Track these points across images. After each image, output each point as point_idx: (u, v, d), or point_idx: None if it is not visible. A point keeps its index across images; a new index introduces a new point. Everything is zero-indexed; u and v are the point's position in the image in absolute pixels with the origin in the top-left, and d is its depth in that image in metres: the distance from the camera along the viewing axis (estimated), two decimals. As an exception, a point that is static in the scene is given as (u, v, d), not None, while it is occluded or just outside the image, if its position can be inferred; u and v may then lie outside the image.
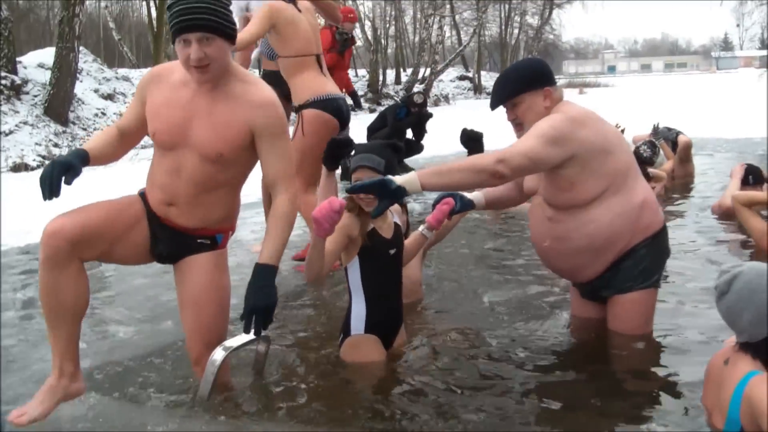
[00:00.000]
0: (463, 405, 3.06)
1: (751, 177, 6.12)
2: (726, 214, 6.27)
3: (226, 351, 3.03)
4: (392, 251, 3.39)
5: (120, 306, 4.55)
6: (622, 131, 7.13)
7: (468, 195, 3.79)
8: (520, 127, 3.53)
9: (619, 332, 3.59)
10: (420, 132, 11.10)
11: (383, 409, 3.06)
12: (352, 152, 3.53)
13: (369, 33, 30.05)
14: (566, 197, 3.43)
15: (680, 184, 8.46)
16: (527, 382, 3.29)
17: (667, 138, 8.78)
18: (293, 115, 5.28)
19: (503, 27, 41.24)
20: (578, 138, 3.32)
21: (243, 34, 4.63)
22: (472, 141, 4.14)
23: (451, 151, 13.16)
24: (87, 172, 3.02)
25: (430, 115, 11.20)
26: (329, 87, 5.15)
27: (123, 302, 4.62)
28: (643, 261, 3.50)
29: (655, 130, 8.82)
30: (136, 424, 2.98)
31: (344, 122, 5.17)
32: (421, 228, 3.61)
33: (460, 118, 21.58)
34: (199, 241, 3.08)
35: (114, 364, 3.62)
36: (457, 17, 37.48)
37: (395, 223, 3.43)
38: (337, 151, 3.63)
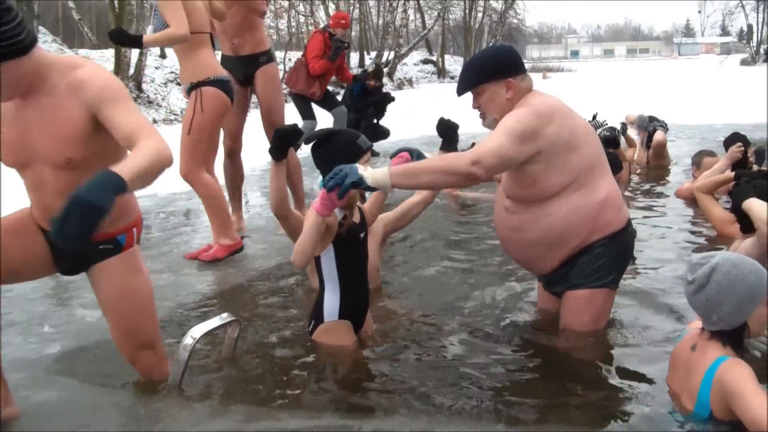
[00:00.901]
0: (431, 386, 3.09)
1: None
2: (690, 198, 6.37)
3: (196, 336, 3.03)
4: (362, 234, 3.43)
5: (85, 289, 4.47)
6: (594, 118, 7.26)
7: (427, 154, 3.67)
8: (483, 116, 3.50)
9: (568, 328, 3.57)
10: (379, 113, 11.00)
11: (358, 391, 3.09)
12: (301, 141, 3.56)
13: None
14: (526, 193, 3.40)
15: (654, 174, 8.51)
16: (489, 364, 3.34)
17: (644, 128, 8.81)
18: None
19: (467, 11, 41.25)
20: (544, 134, 3.26)
21: (178, 31, 4.69)
22: (449, 130, 4.09)
23: (416, 134, 13.20)
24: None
25: (392, 99, 11.12)
26: (222, 69, 5.26)
27: (88, 287, 4.54)
28: (599, 259, 3.46)
29: (640, 119, 8.87)
30: (106, 409, 2.97)
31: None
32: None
33: (424, 102, 21.64)
34: (100, 247, 2.87)
35: (82, 350, 3.60)
36: (421, 1, 37.43)
37: (358, 206, 3.46)
38: (284, 140, 3.46)
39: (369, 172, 3.06)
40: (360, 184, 3.01)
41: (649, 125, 8.76)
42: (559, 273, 3.56)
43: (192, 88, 5.03)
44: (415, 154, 3.54)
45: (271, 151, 3.46)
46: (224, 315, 3.23)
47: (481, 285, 4.48)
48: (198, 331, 3.06)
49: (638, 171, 8.57)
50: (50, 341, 3.68)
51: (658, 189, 7.53)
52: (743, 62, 44.98)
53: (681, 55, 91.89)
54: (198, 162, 5.03)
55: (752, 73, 32.34)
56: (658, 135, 8.63)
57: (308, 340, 3.47)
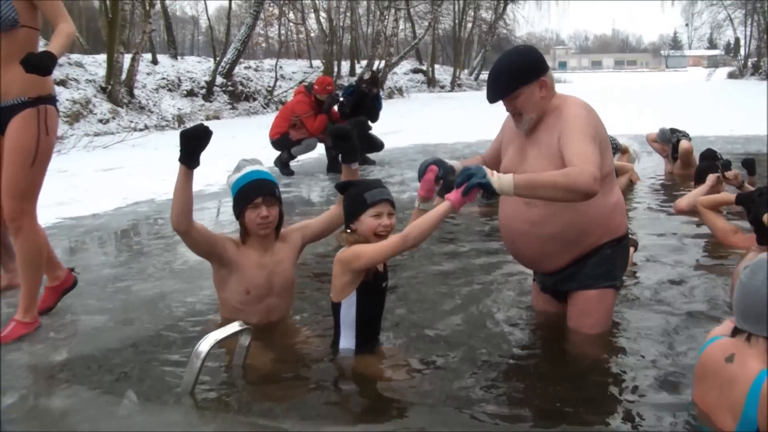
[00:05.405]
0: (448, 394, 3.06)
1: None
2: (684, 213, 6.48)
3: (210, 344, 2.99)
4: (384, 284, 3.39)
5: (89, 297, 4.42)
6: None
7: (449, 162, 3.61)
8: (519, 117, 3.53)
9: (580, 328, 3.61)
10: (367, 112, 10.81)
11: (369, 401, 3.08)
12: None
13: (324, 23, 29.86)
14: None
15: (681, 185, 8.52)
16: (503, 376, 3.32)
17: (668, 141, 8.97)
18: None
19: (457, 21, 41.32)
20: (600, 131, 3.41)
21: (72, 26, 3.85)
22: (341, 140, 3.63)
23: (409, 143, 13.22)
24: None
25: (371, 93, 10.85)
26: None
27: (91, 293, 4.50)
28: (608, 261, 3.57)
29: (662, 133, 9.08)
30: (116, 419, 2.90)
31: None
32: (416, 204, 3.48)
33: (415, 111, 21.67)
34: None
35: (89, 357, 3.52)
36: (411, 10, 37.47)
37: None
38: (195, 142, 3.34)
39: (496, 177, 3.10)
40: (486, 186, 3.07)
41: (672, 137, 8.94)
42: (567, 273, 3.61)
43: (28, 104, 3.81)
44: (441, 166, 3.46)
45: (182, 157, 3.36)
46: (237, 323, 3.18)
47: (483, 295, 4.42)
48: (211, 338, 3.01)
49: (663, 182, 8.74)
50: (56, 348, 3.62)
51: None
52: (730, 75, 45.31)
53: (668, 67, 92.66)
54: (34, 201, 3.89)
55: (740, 86, 32.57)
56: (684, 143, 8.78)
57: (323, 354, 3.45)
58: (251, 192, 3.60)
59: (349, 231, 3.28)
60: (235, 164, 3.75)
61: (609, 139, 6.86)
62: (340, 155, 3.80)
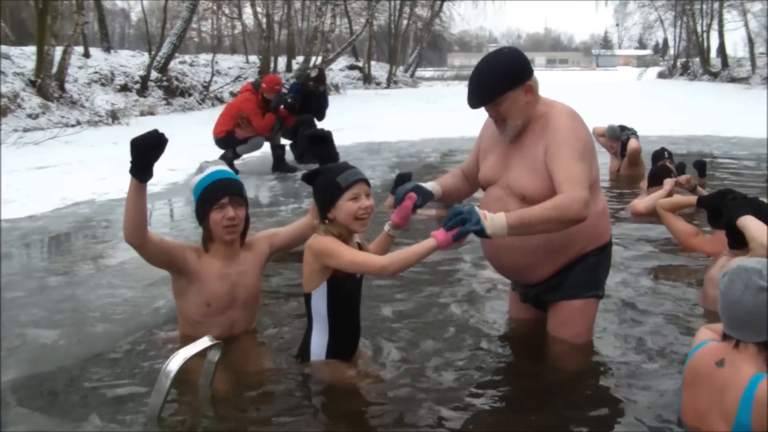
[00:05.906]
0: (426, 411, 2.94)
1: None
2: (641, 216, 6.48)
3: (179, 362, 2.76)
4: (359, 275, 3.19)
5: (35, 307, 4.13)
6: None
7: (426, 186, 3.45)
8: (503, 123, 3.34)
9: (562, 339, 3.50)
10: (314, 110, 10.64)
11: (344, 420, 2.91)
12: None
13: (261, 18, 29.45)
14: (546, 197, 3.18)
15: (627, 184, 8.52)
16: (481, 381, 3.26)
17: (617, 138, 8.92)
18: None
19: (393, 17, 41.24)
20: (588, 142, 3.27)
21: None
22: (317, 144, 3.40)
23: (352, 141, 13.08)
24: None
25: (318, 91, 10.74)
26: None
27: (37, 302, 4.21)
28: (592, 270, 3.45)
29: (612, 130, 9.02)
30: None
31: None
32: (386, 228, 3.30)
33: (353, 107, 21.51)
34: None
35: (42, 377, 3.25)
36: (347, 6, 37.25)
37: (357, 243, 3.19)
38: (148, 154, 3.04)
39: (489, 221, 2.94)
40: (479, 233, 2.93)
41: (622, 134, 8.87)
42: (551, 283, 3.48)
43: None
44: (419, 192, 3.28)
45: (133, 169, 3.08)
46: (207, 338, 2.95)
47: (447, 302, 4.29)
48: (180, 357, 2.78)
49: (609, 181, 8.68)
50: (3, 366, 3.34)
51: (628, 199, 7.48)
52: (660, 75, 46.21)
53: (599, 66, 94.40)
54: None
55: (671, 86, 33.22)
56: (633, 143, 8.73)
57: (292, 366, 3.26)
58: (217, 192, 3.34)
59: (327, 222, 3.06)
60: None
61: None
62: (317, 161, 3.52)
